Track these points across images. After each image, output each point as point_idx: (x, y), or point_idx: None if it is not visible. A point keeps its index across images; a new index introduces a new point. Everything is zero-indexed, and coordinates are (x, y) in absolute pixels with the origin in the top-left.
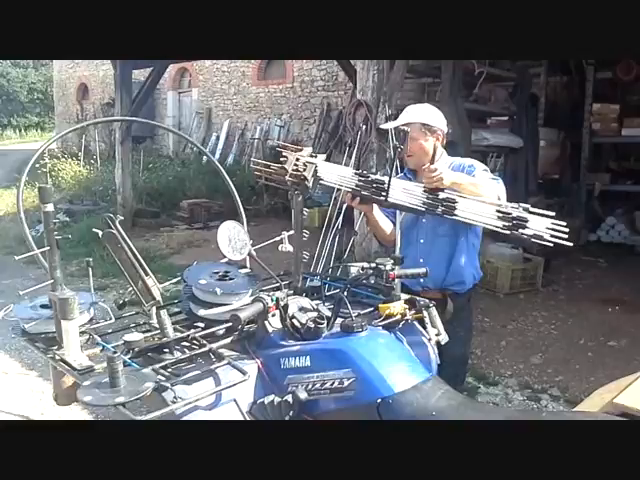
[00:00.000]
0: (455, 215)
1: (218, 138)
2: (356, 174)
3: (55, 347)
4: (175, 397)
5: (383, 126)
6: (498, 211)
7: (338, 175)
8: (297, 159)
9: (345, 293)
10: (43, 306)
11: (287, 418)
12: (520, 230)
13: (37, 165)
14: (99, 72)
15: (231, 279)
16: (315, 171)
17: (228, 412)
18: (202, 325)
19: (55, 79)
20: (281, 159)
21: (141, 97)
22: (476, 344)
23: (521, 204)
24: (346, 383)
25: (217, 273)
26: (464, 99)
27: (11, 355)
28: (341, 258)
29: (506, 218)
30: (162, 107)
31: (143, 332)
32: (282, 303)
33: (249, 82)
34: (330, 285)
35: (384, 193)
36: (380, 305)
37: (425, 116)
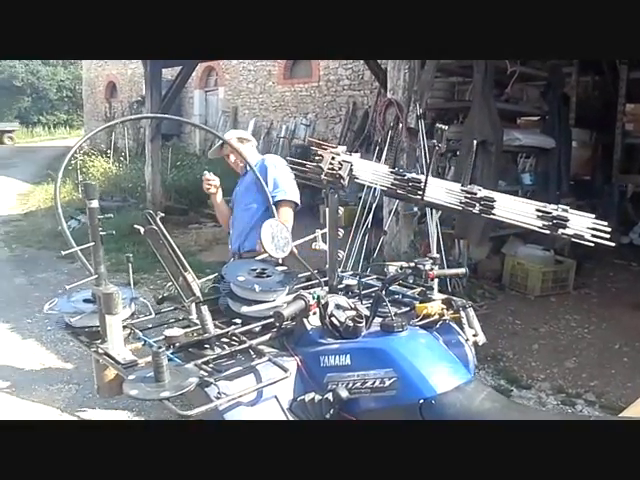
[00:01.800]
0: (493, 214)
1: None
2: (392, 172)
3: (98, 341)
4: (219, 393)
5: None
6: (538, 210)
7: (373, 174)
8: (332, 158)
9: (383, 292)
10: (86, 300)
11: (327, 416)
12: (560, 230)
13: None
14: (127, 71)
15: (268, 276)
16: (350, 170)
17: (269, 409)
18: (239, 321)
19: (84, 77)
20: (316, 158)
21: (170, 95)
22: (507, 346)
23: (560, 205)
24: (387, 383)
25: (255, 270)
26: (496, 98)
27: (47, 347)
28: (370, 257)
29: (546, 217)
30: (189, 106)
31: (182, 327)
32: (322, 301)
33: (275, 81)
34: (364, 284)
35: (420, 192)
36: (417, 305)
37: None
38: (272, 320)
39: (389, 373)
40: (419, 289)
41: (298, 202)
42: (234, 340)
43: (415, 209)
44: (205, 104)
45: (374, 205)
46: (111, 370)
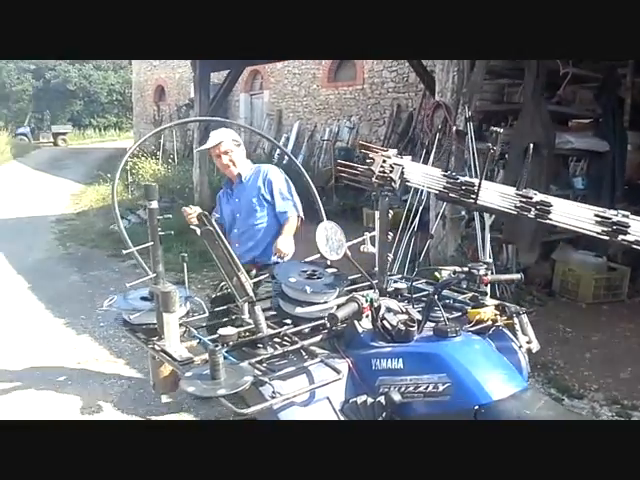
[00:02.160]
0: (549, 219)
1: (288, 139)
2: (444, 176)
3: (155, 338)
4: (274, 392)
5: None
6: (597, 215)
7: (424, 177)
8: (384, 160)
9: (435, 297)
10: (143, 298)
11: (380, 419)
12: (621, 236)
13: (119, 163)
14: (175, 75)
15: (319, 278)
16: (402, 173)
17: (321, 410)
18: (289, 322)
19: (134, 81)
20: (367, 160)
21: (219, 98)
22: (558, 354)
23: (620, 210)
24: (441, 388)
25: (305, 272)
26: (547, 101)
27: (100, 343)
28: (415, 261)
29: (605, 223)
30: (235, 109)
31: (235, 327)
32: (375, 304)
33: (319, 84)
34: (413, 287)
35: (473, 195)
36: (470, 310)
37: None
38: (323, 321)
39: (443, 378)
40: (470, 294)
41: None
42: (286, 340)
43: (462, 213)
44: (250, 107)
45: (420, 208)
46: (167, 367)
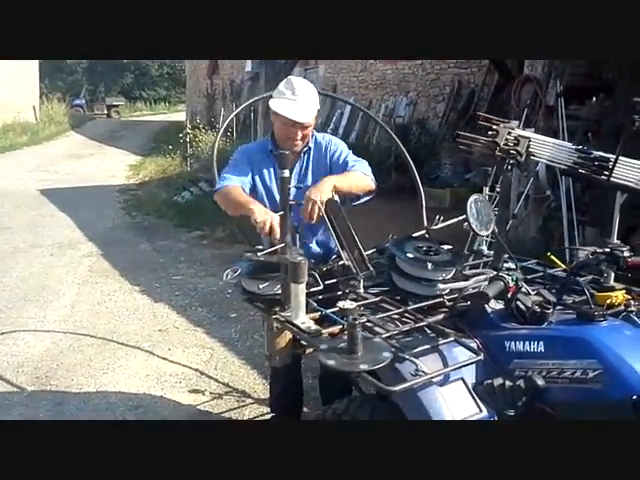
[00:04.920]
0: None
1: (342, 115)
2: (576, 150)
3: (277, 308)
4: (417, 370)
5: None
6: None
7: (553, 151)
8: (509, 133)
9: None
10: (263, 268)
11: (519, 404)
12: None
13: (180, 135)
14: None
15: (436, 254)
16: (528, 145)
17: (457, 391)
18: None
19: None
20: (489, 132)
21: (284, 72)
22: None
23: None
24: (591, 375)
25: (421, 247)
26: None
27: (178, 311)
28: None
29: None
30: None
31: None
32: (520, 285)
33: (377, 59)
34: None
35: (606, 172)
36: (597, 294)
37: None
38: (441, 300)
39: (593, 364)
40: (590, 277)
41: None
42: (408, 318)
43: (548, 192)
44: None
45: (486, 187)
46: (284, 338)
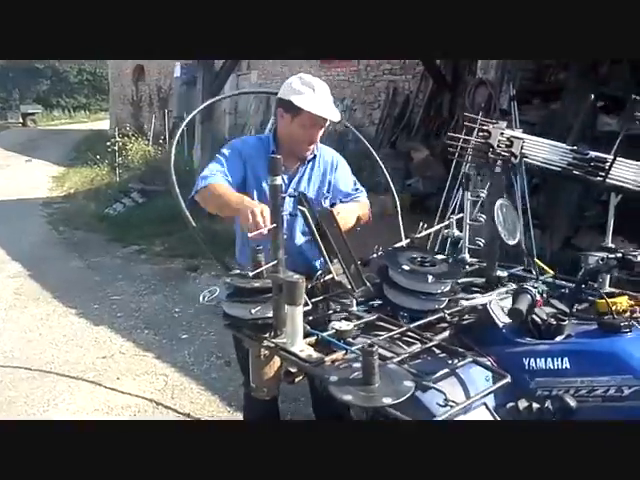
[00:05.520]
0: None
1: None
2: (572, 150)
3: (266, 334)
4: (446, 400)
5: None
6: None
7: (548, 152)
8: (501, 133)
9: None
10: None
11: None
12: None
13: (107, 143)
14: None
15: (432, 265)
16: (521, 147)
17: (481, 417)
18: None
19: (110, 60)
20: (480, 134)
21: (222, 76)
22: None
23: None
24: (627, 392)
25: (415, 259)
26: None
27: (122, 335)
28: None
29: None
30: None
31: (342, 320)
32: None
33: (311, 65)
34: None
35: (602, 173)
36: (598, 300)
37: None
38: (442, 315)
39: (628, 381)
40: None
41: None
42: (411, 337)
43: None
44: (236, 88)
45: (468, 192)
46: (272, 367)
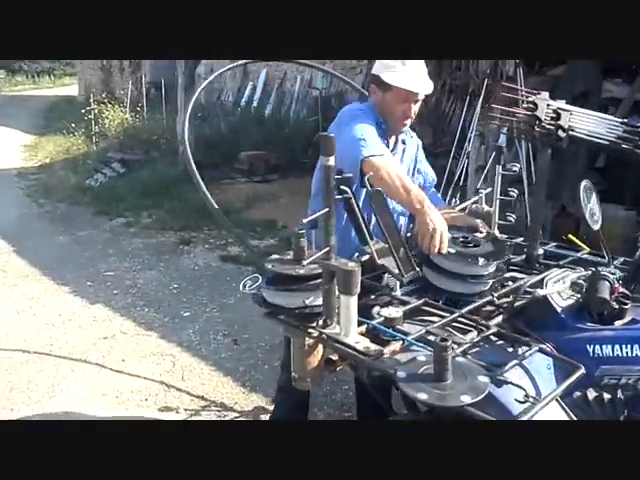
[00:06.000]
0: None
1: (255, 88)
2: (622, 123)
3: (312, 323)
4: (527, 395)
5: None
6: None
7: (595, 124)
8: (548, 105)
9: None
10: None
11: (621, 418)
12: None
13: (82, 111)
14: None
15: (476, 245)
16: (569, 120)
17: (553, 409)
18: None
19: None
20: (524, 105)
21: None
22: None
23: None
24: None
25: (457, 239)
26: None
27: (122, 314)
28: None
29: None
30: None
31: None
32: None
33: None
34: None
35: None
36: None
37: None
38: (490, 298)
39: None
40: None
41: None
42: (465, 323)
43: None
44: None
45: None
46: (316, 357)
